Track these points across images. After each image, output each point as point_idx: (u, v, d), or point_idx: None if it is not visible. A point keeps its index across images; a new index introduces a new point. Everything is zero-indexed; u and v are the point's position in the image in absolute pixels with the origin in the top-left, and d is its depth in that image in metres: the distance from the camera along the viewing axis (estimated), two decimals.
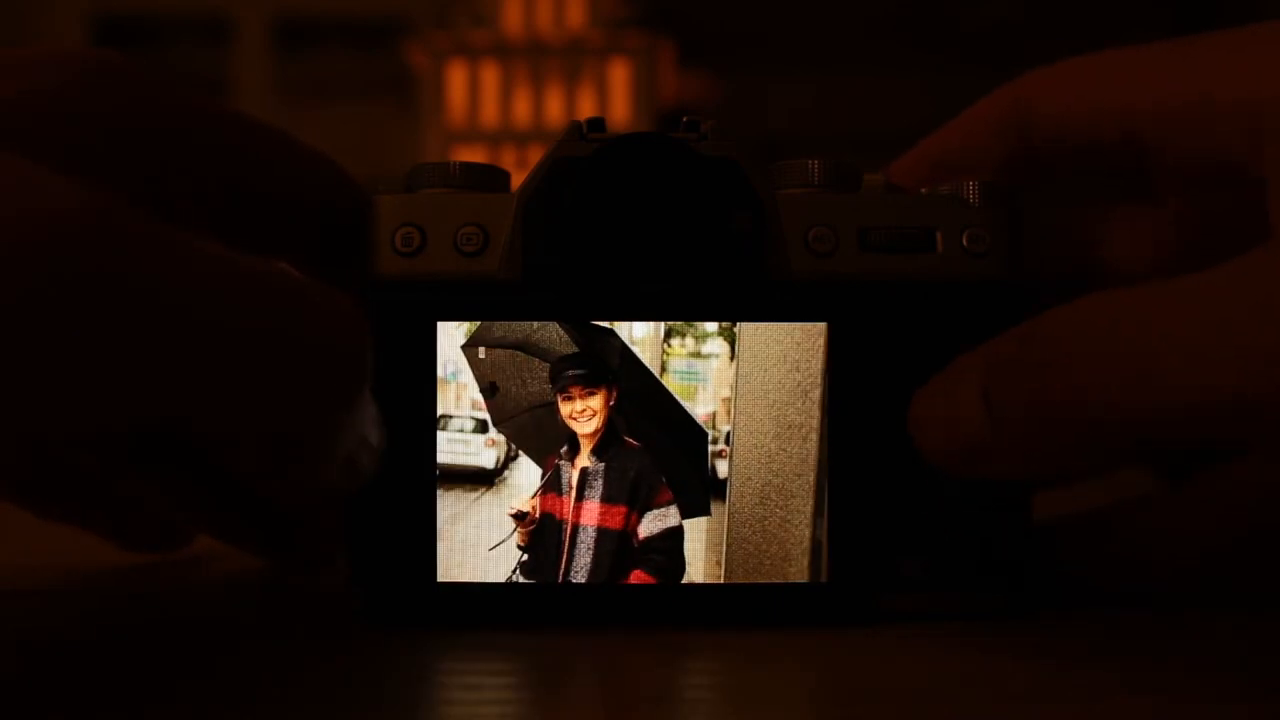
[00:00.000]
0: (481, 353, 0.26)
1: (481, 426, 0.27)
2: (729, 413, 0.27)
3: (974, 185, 0.27)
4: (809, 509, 0.26)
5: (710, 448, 0.27)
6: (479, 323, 0.26)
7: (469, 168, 0.27)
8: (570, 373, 0.27)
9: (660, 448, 0.27)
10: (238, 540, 0.33)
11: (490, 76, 1.68)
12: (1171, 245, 0.28)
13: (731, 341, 0.27)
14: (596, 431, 0.27)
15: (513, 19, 1.67)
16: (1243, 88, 0.24)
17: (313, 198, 0.27)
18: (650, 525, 0.27)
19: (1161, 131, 0.26)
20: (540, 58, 1.67)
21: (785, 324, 0.26)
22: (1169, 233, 0.28)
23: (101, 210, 0.18)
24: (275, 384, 0.20)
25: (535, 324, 0.26)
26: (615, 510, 0.26)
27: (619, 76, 1.67)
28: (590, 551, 0.26)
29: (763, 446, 0.27)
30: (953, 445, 0.25)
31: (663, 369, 0.27)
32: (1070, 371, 0.23)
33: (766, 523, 0.27)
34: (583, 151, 0.26)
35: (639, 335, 0.27)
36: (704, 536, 0.27)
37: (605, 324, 0.26)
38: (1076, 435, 0.23)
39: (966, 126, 0.29)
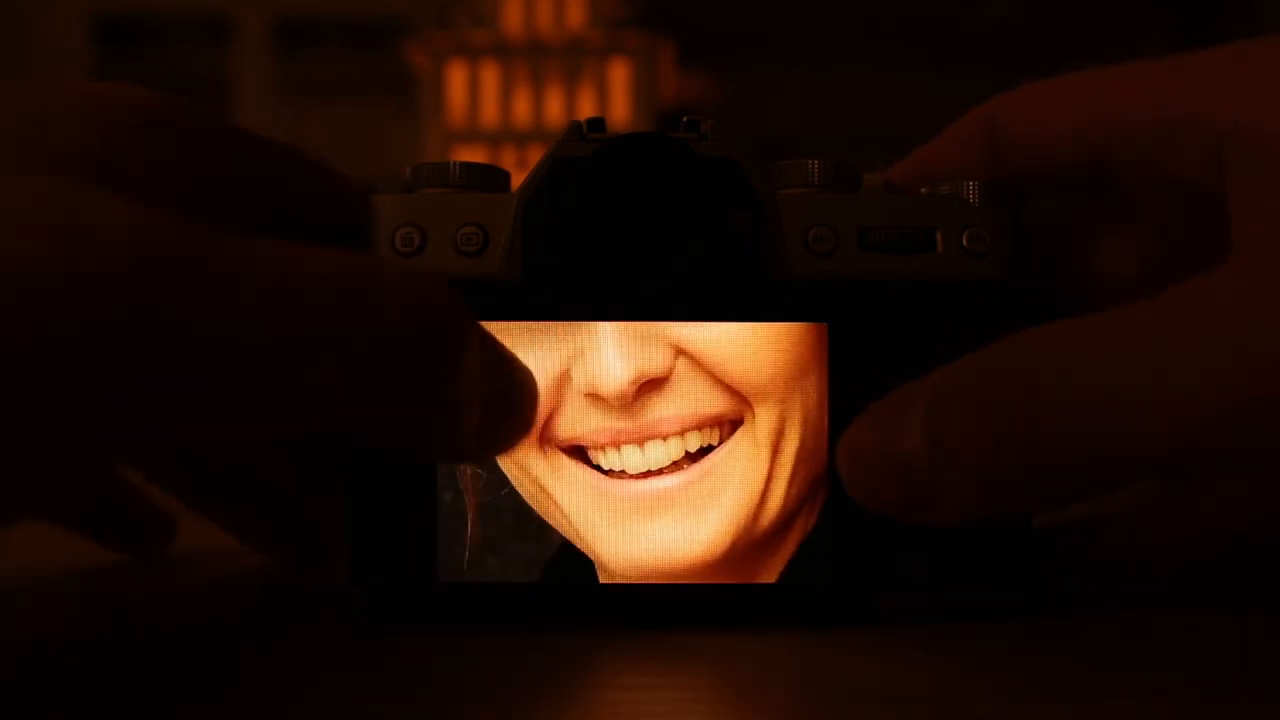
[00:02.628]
0: None
1: None
2: None
3: (974, 185, 0.27)
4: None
5: None
6: None
7: (469, 168, 0.27)
8: None
9: None
10: (239, 529, 0.33)
11: (490, 76, 1.68)
12: (1151, 257, 0.28)
13: None
14: None
15: (513, 19, 1.68)
16: (1206, 109, 0.24)
17: (324, 213, 0.27)
18: None
19: (1127, 152, 0.26)
20: (540, 58, 1.67)
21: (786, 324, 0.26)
22: (1148, 244, 0.28)
23: (194, 239, 0.19)
24: (354, 385, 0.20)
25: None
26: None
27: (619, 76, 1.67)
28: None
29: None
30: (888, 481, 0.24)
31: None
32: (1025, 399, 0.23)
33: None
34: (583, 151, 0.26)
35: None
36: None
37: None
38: (1028, 466, 0.23)
39: (943, 148, 0.29)
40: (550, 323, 0.26)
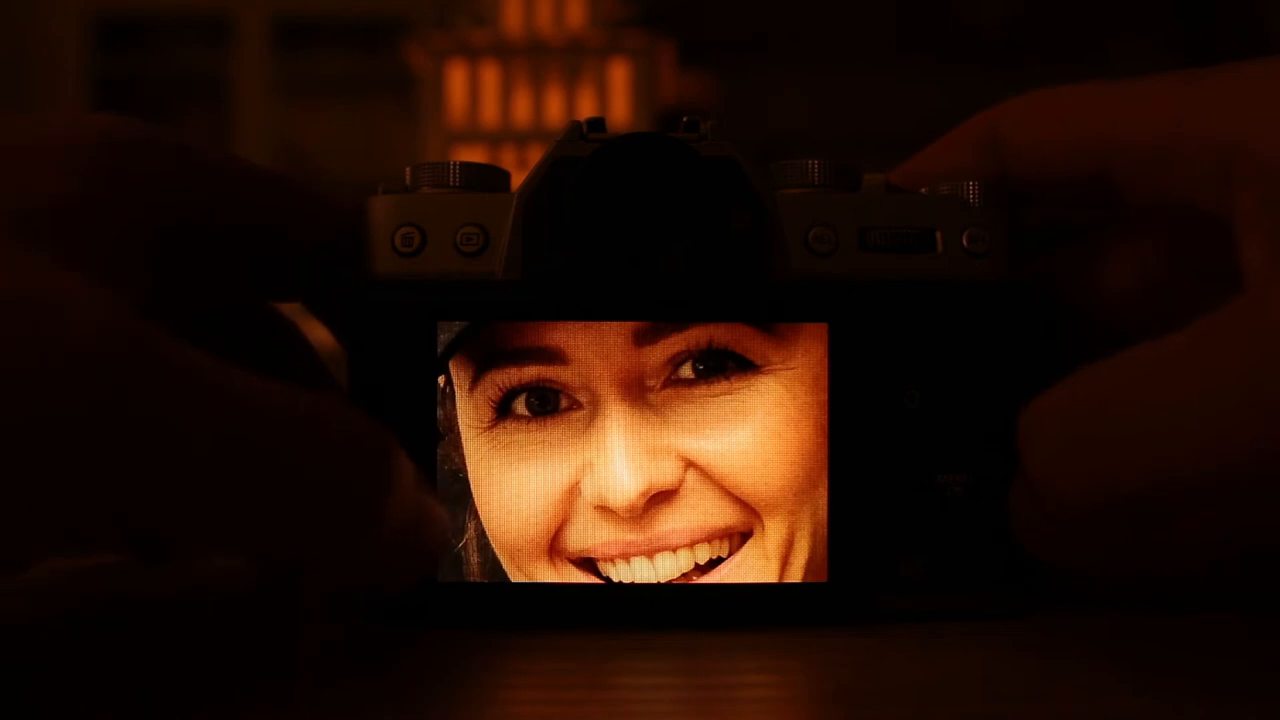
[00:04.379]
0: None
1: None
2: None
3: (974, 185, 0.27)
4: (810, 509, 0.26)
5: None
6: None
7: (469, 168, 0.27)
8: None
9: None
10: None
11: (490, 76, 1.68)
12: (1152, 267, 0.28)
13: None
14: None
15: (513, 19, 1.67)
16: (1212, 130, 0.24)
17: (306, 230, 0.27)
18: None
19: (1129, 169, 0.26)
20: (540, 58, 1.67)
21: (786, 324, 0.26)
22: (1149, 255, 0.28)
23: (136, 336, 0.19)
24: (279, 515, 0.21)
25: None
26: None
27: (619, 76, 1.67)
28: None
29: None
30: (1017, 528, 0.26)
31: None
32: (1038, 462, 0.23)
33: None
34: (582, 151, 0.26)
35: None
36: None
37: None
38: (1055, 524, 0.24)
39: (946, 151, 0.29)
40: (559, 434, 0.26)
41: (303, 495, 0.21)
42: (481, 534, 0.26)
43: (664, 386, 0.26)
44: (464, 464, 0.26)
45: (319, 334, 0.31)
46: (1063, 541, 0.24)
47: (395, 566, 0.23)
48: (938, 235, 0.27)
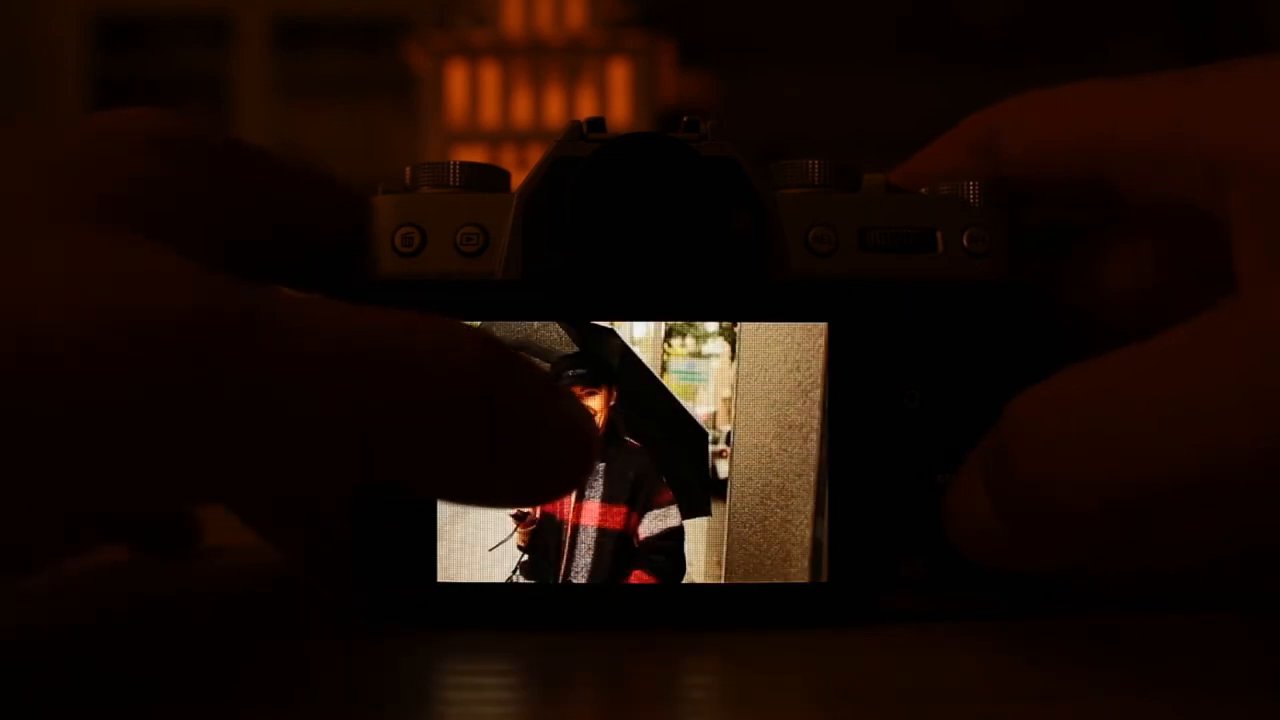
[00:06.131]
0: None
1: None
2: (729, 413, 0.27)
3: (974, 185, 0.27)
4: (809, 509, 0.26)
5: (710, 448, 0.27)
6: (478, 323, 0.26)
7: (469, 168, 0.27)
8: (571, 372, 0.27)
9: (660, 448, 0.27)
10: (259, 525, 0.33)
11: (490, 76, 1.68)
12: (1151, 268, 0.28)
13: (732, 341, 0.27)
14: None
15: (513, 19, 1.67)
16: (1209, 130, 0.24)
17: (329, 225, 0.27)
18: (651, 525, 0.27)
19: (1127, 170, 0.26)
20: (540, 58, 1.67)
21: (785, 324, 0.26)
22: (1148, 256, 0.28)
23: (247, 303, 0.19)
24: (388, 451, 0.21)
25: (536, 324, 0.26)
26: (616, 510, 0.27)
27: (619, 76, 1.67)
28: (590, 552, 0.26)
29: (763, 446, 0.27)
30: (970, 540, 0.25)
31: (663, 369, 0.27)
32: (1031, 457, 0.23)
33: (767, 523, 0.27)
34: (582, 151, 0.26)
35: (639, 335, 0.27)
36: (704, 536, 0.27)
37: (605, 324, 0.26)
38: (1045, 522, 0.23)
39: (944, 151, 0.29)
40: None
41: (415, 420, 0.21)
42: None
43: None
44: None
45: None
46: (1028, 545, 0.24)
47: (534, 477, 0.23)
48: (938, 235, 0.27)
